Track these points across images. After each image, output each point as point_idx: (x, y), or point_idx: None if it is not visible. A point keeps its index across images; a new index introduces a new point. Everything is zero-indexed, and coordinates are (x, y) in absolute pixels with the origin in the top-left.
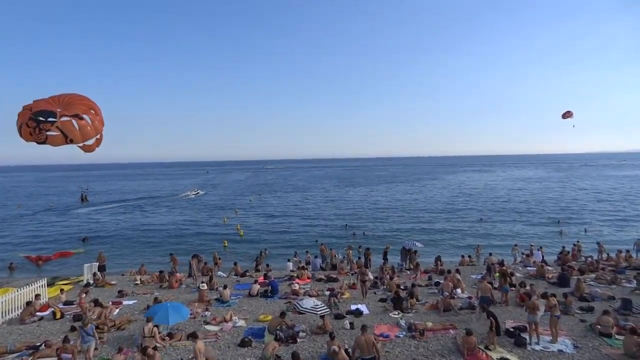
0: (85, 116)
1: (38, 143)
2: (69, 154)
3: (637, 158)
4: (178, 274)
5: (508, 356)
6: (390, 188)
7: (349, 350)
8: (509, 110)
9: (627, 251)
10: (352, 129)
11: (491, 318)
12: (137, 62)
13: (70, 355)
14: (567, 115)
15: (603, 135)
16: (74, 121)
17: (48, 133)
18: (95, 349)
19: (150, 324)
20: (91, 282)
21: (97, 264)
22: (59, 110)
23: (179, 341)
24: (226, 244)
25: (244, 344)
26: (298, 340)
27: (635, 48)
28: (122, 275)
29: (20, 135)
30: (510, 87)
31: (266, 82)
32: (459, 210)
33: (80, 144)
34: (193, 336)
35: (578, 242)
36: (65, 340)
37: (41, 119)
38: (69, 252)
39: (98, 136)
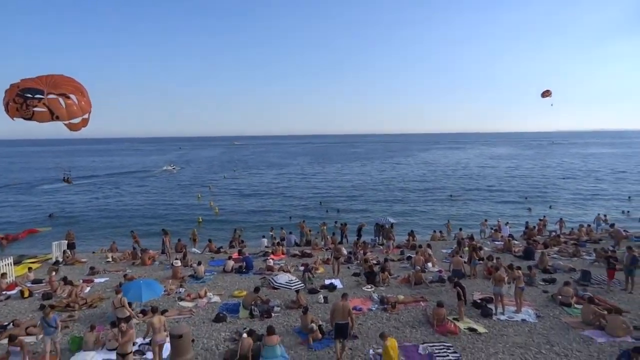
0: (72, 96)
1: (25, 119)
2: (29, 129)
3: (603, 137)
4: (151, 251)
5: (475, 326)
6: (364, 165)
7: (323, 325)
8: (479, 87)
9: (589, 225)
10: (327, 105)
11: (458, 288)
12: (103, 30)
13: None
14: (546, 94)
15: (572, 114)
16: (60, 99)
17: (35, 109)
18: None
19: (119, 295)
20: (60, 260)
21: (67, 241)
22: (46, 89)
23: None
24: (200, 220)
25: (218, 319)
26: (273, 315)
27: (600, 27)
28: (93, 253)
29: (7, 112)
30: (480, 64)
31: (239, 55)
32: (432, 187)
33: (66, 122)
34: (153, 311)
35: (544, 217)
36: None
37: (28, 95)
38: (36, 230)
39: (86, 116)
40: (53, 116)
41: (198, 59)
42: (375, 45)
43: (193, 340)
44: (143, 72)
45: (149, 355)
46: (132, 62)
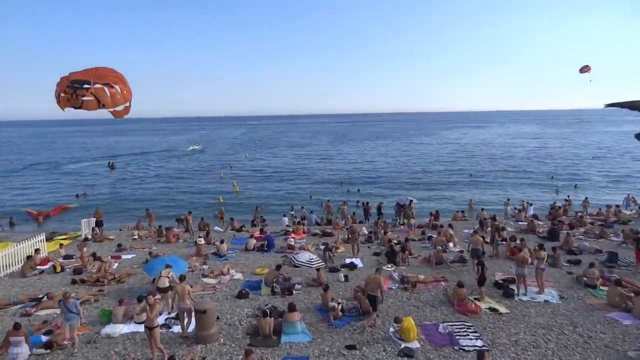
0: (115, 85)
1: (75, 108)
2: (51, 110)
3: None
4: (175, 229)
5: (496, 306)
6: (386, 145)
7: (343, 303)
8: (503, 63)
9: (617, 206)
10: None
11: (479, 266)
12: (113, 14)
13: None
14: (585, 69)
15: (603, 90)
16: (105, 88)
17: (83, 98)
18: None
19: (168, 270)
20: (89, 237)
21: (95, 219)
22: (92, 79)
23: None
24: (221, 200)
25: (241, 295)
26: (294, 292)
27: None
28: (120, 230)
29: (58, 103)
30: (503, 38)
31: (258, 33)
32: (455, 166)
33: (111, 109)
34: (181, 279)
35: (568, 197)
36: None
37: (77, 86)
38: (66, 207)
39: (127, 104)
40: (100, 104)
41: (231, 37)
42: (403, 20)
43: (218, 318)
44: (152, 52)
45: (175, 328)
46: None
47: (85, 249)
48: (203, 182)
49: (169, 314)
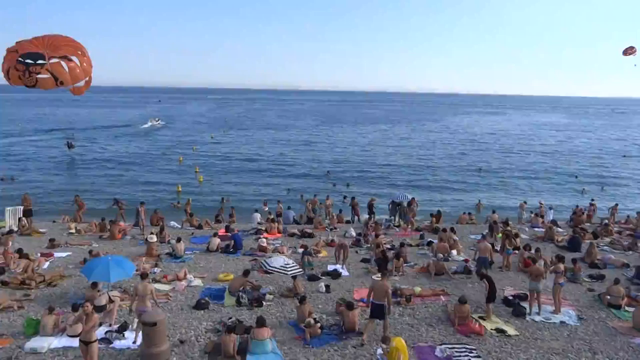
0: (73, 57)
1: (27, 87)
2: None
3: None
4: (122, 223)
5: (504, 327)
6: (383, 130)
7: (323, 319)
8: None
9: None
10: (342, 56)
11: (485, 281)
12: None
13: None
14: (629, 51)
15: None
16: (63, 63)
17: (38, 76)
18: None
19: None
20: (15, 229)
21: (22, 207)
22: (46, 52)
23: (122, 301)
24: (180, 189)
25: (200, 306)
26: (264, 303)
27: None
28: (54, 222)
29: (8, 80)
30: (534, 14)
31: None
32: (462, 160)
33: (71, 86)
34: (142, 276)
35: (593, 201)
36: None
37: (29, 61)
38: None
39: (87, 79)
40: (57, 82)
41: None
42: None
43: (169, 336)
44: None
45: (117, 344)
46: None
47: (9, 244)
48: (158, 168)
49: (110, 325)
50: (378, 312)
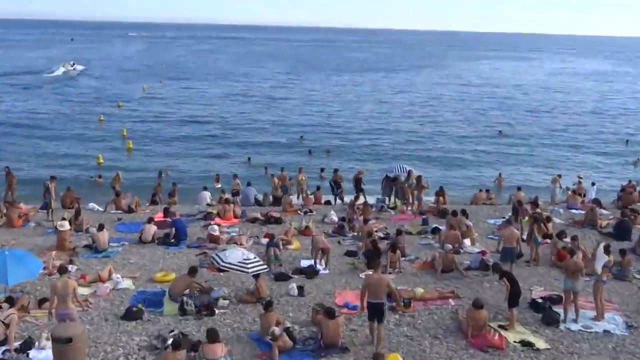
0: None
1: None
2: None
3: None
4: (23, 205)
5: (532, 338)
6: (374, 80)
7: (296, 330)
8: None
9: None
10: None
11: (505, 279)
12: None
13: None
14: None
15: None
16: None
17: None
18: None
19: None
20: None
21: None
22: None
23: (24, 312)
24: (101, 161)
25: (130, 315)
26: (217, 311)
27: None
28: None
29: None
30: None
31: None
32: (477, 121)
33: None
34: (60, 270)
35: None
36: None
37: None
38: None
39: None
40: None
41: None
42: None
43: (89, 355)
44: None
45: None
46: None
47: None
48: (72, 131)
49: (7, 344)
50: (379, 312)
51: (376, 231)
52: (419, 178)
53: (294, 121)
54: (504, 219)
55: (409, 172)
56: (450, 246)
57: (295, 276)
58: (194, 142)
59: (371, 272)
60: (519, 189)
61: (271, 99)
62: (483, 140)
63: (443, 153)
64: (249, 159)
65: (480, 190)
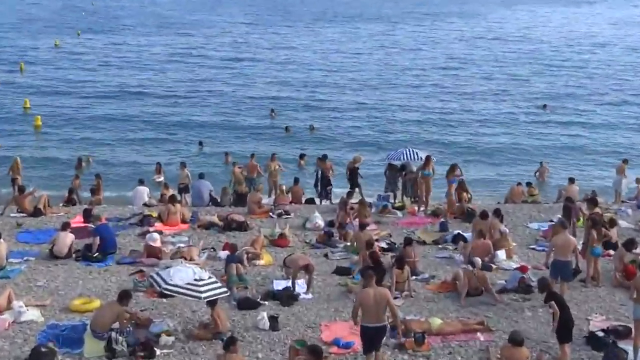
0: None
1: None
2: None
3: None
4: None
5: None
6: (372, 34)
7: None
8: None
9: None
10: None
11: (554, 304)
12: None
13: None
14: None
15: None
16: None
17: None
18: None
19: None
20: None
21: None
22: None
23: None
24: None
25: (38, 358)
26: (158, 351)
27: None
28: None
29: None
30: None
31: None
32: (512, 90)
33: None
34: None
35: None
36: None
37: None
38: None
39: None
40: None
41: None
42: None
43: None
44: None
45: None
46: None
47: None
48: None
49: None
50: (377, 338)
51: (377, 240)
52: (453, 167)
53: (262, 90)
54: (552, 222)
55: (427, 159)
56: (478, 260)
57: (267, 302)
58: (125, 119)
59: (366, 288)
60: (571, 181)
61: (232, 60)
62: (520, 117)
63: (467, 135)
64: (201, 143)
65: (519, 184)
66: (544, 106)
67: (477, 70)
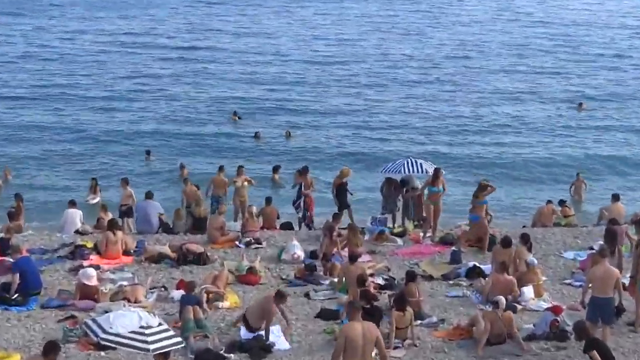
0: None
1: None
2: None
3: None
4: None
5: None
6: (363, 13)
7: None
8: None
9: None
10: None
11: (595, 353)
12: None
13: None
14: None
15: None
16: None
17: None
18: None
19: None
20: None
21: None
22: None
23: None
24: None
25: None
26: None
27: None
28: None
29: None
30: None
31: None
32: (539, 84)
33: None
34: None
35: None
36: None
37: None
38: None
39: None
40: None
41: None
42: None
43: None
44: None
45: None
46: None
47: None
48: None
49: None
50: None
51: (371, 275)
52: (484, 185)
53: (226, 87)
54: (591, 251)
55: (436, 173)
56: (501, 299)
57: (232, 355)
58: (51, 126)
59: (352, 322)
60: (615, 198)
61: (186, 50)
62: (550, 121)
63: (482, 143)
64: (149, 152)
65: (549, 202)
66: (579, 105)
67: (494, 61)
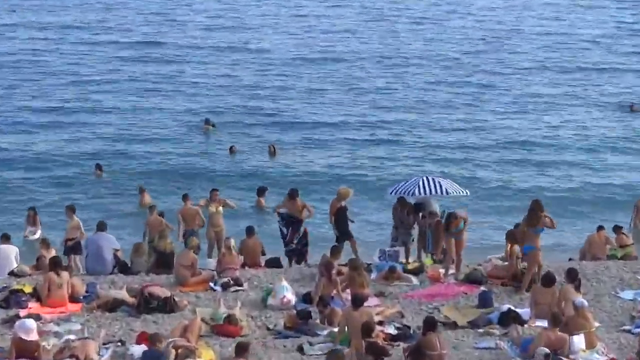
0: None
1: None
2: None
3: None
4: None
5: None
6: (364, 2)
7: None
8: None
9: None
10: None
11: None
12: None
13: None
14: None
15: None
16: None
17: None
18: None
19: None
20: None
21: None
22: None
23: None
24: None
25: None
26: None
27: None
28: None
29: None
30: None
31: None
32: (583, 85)
33: None
34: None
35: None
36: None
37: None
38: None
39: None
40: None
41: None
42: None
43: None
44: None
45: None
46: None
47: None
48: None
49: None
50: None
51: (380, 323)
52: (538, 210)
53: (195, 92)
54: None
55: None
56: (546, 351)
57: None
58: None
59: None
60: None
61: (148, 45)
62: (596, 125)
63: (515, 161)
64: (99, 167)
65: (600, 229)
66: (631, 107)
67: (526, 57)
